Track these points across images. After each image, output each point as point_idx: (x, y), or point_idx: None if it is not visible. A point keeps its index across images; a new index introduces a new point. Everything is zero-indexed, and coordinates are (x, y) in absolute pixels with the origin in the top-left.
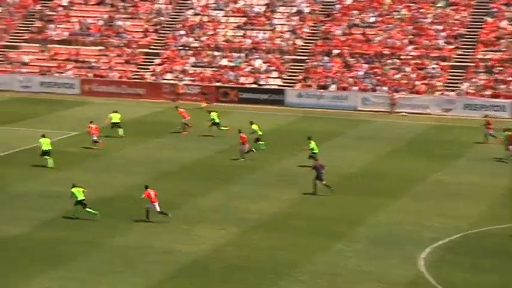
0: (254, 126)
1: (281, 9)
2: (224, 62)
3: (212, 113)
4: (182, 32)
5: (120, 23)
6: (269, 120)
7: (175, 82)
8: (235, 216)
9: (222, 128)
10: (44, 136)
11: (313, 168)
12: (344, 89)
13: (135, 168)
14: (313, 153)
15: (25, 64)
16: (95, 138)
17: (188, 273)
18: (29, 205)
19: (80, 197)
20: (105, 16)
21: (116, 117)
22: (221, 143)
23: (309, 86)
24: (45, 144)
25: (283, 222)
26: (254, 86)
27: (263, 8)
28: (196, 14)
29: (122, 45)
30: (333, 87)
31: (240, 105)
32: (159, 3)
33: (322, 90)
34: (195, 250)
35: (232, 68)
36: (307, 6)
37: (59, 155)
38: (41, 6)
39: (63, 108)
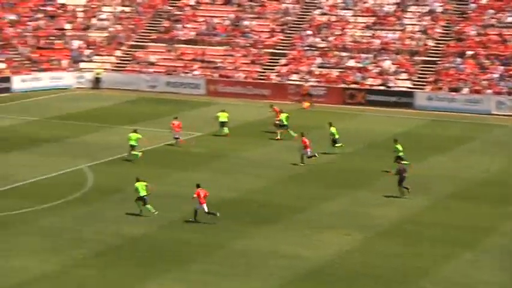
0: (332, 129)
1: (412, 8)
2: (351, 63)
3: (282, 114)
4: (309, 32)
5: (246, 22)
6: (398, 124)
7: (301, 83)
8: (361, 222)
9: (290, 132)
10: (135, 131)
11: (396, 173)
12: (477, 92)
13: (259, 171)
14: (399, 156)
15: (152, 64)
16: (176, 135)
17: (312, 279)
18: (153, 205)
19: (142, 192)
20: (232, 16)
21: (223, 116)
22: (346, 145)
23: (440, 88)
24: (133, 139)
25: (410, 229)
26: (382, 88)
27: (393, 8)
28: (323, 14)
29: (248, 45)
30: (466, 90)
31: (367, 108)
32: (286, 3)
33: (453, 93)
34: (319, 256)
35: (359, 69)
36: (440, 6)
37: (183, 156)
38: (169, 6)
39: (189, 108)
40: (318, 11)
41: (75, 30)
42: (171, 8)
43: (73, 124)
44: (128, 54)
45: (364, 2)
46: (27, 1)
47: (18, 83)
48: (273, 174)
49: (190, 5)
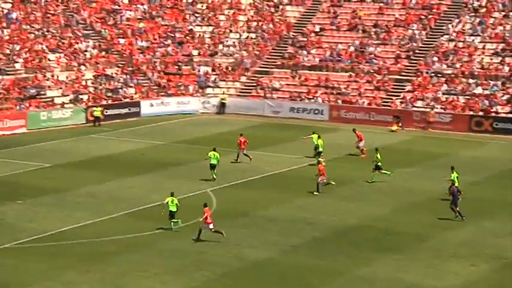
0: (319, 142)
1: None
2: (479, 90)
3: (317, 140)
4: (435, 59)
5: (371, 48)
6: None
7: (427, 110)
8: (487, 252)
9: (320, 159)
10: (214, 150)
11: (450, 194)
12: None
13: (382, 198)
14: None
15: (276, 90)
16: (244, 151)
17: None
18: (278, 229)
19: (172, 208)
20: (357, 42)
21: (316, 139)
22: (473, 174)
23: None
24: (214, 158)
25: None
26: (511, 115)
27: None
28: (450, 40)
29: (372, 71)
30: None
31: (495, 136)
32: (412, 29)
33: None
34: (444, 286)
35: (487, 96)
36: None
37: (305, 180)
38: (294, 32)
39: (311, 134)
40: (444, 38)
41: (202, 56)
42: (296, 34)
43: (198, 148)
44: (252, 80)
45: (493, 28)
46: (157, 28)
47: (147, 107)
48: (397, 201)
49: (315, 32)
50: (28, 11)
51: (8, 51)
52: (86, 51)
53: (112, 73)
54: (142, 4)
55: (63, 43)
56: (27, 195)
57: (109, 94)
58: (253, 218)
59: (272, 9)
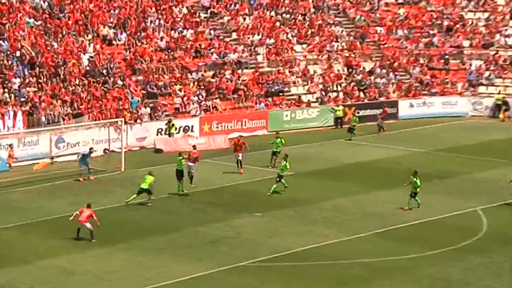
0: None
1: None
2: None
3: None
4: None
5: None
6: None
7: None
8: None
9: None
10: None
11: None
12: None
13: None
14: None
15: None
16: None
17: None
18: None
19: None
20: None
21: None
22: None
23: None
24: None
25: None
26: None
27: None
28: None
29: None
30: None
31: None
32: None
33: None
34: None
35: None
36: None
37: None
38: None
39: None
40: None
41: (474, 47)
42: None
43: (465, 158)
44: None
45: None
46: (421, 15)
47: (406, 108)
48: None
49: None
50: None
51: (249, 42)
52: (337, 41)
53: (367, 67)
54: None
55: (311, 32)
56: (266, 207)
57: (361, 91)
58: None
59: None
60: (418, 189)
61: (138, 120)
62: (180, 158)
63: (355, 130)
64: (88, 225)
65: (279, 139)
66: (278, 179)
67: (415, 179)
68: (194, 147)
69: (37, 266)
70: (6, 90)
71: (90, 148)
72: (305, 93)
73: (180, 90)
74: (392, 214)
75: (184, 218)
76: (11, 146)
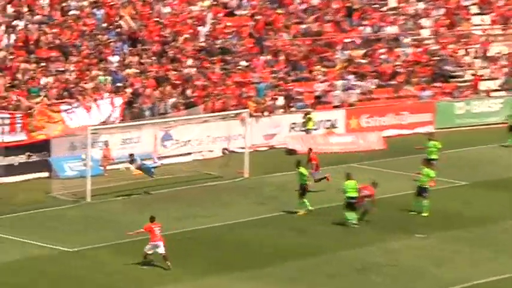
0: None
1: None
2: None
3: None
4: None
5: None
6: None
7: None
8: None
9: None
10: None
11: None
12: None
13: None
14: None
15: None
16: None
17: None
18: None
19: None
20: None
21: None
22: None
23: None
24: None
25: None
26: None
27: None
28: None
29: None
30: None
31: None
32: None
33: None
34: None
35: None
36: None
37: None
38: None
39: None
40: None
41: None
42: None
43: None
44: None
45: None
46: None
47: None
48: None
49: None
50: None
51: (411, 11)
52: None
53: None
54: None
55: None
56: (429, 226)
57: None
58: None
59: None
60: None
61: (266, 113)
62: (302, 170)
63: None
64: (161, 248)
65: (431, 142)
66: (419, 193)
67: None
68: (310, 150)
69: None
70: (101, 72)
71: (130, 155)
72: (485, 79)
73: (321, 73)
74: None
75: (323, 239)
76: (106, 144)
